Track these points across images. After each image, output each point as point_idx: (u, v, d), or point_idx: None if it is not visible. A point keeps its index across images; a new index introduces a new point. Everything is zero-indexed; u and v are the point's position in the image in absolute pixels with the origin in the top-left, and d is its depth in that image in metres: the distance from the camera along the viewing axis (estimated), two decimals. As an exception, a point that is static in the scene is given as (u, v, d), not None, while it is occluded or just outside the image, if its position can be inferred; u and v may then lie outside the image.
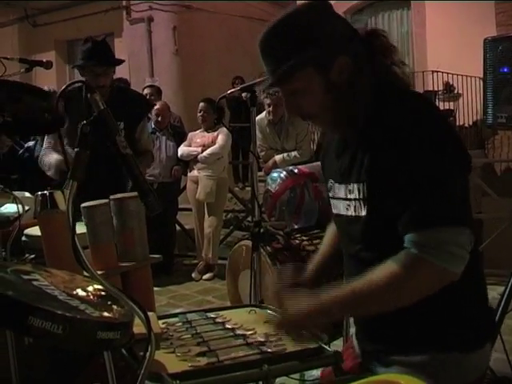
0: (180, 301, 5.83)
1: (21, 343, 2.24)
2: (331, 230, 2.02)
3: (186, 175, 6.76)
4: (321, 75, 1.57)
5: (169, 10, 11.45)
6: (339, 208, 1.72)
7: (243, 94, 8.82)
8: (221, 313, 2.10)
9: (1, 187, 2.70)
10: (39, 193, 2.48)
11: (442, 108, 8.00)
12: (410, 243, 1.48)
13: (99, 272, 2.21)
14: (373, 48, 1.62)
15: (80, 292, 1.65)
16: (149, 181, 4.71)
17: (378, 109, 1.57)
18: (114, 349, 1.64)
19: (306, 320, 1.61)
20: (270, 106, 5.82)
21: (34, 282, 1.60)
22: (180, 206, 7.28)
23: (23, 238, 2.82)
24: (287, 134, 5.92)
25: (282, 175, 3.51)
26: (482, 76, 3.24)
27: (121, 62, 4.00)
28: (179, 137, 6.76)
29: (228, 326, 1.94)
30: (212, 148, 6.30)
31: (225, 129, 6.33)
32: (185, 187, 6.91)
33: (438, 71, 9.07)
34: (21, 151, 6.14)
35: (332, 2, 1.68)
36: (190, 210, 6.85)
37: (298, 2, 1.67)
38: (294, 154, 5.86)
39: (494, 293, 2.83)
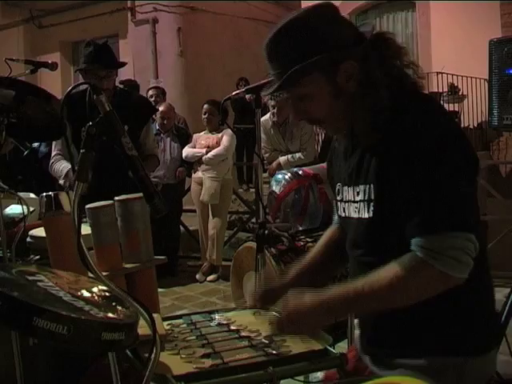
0: (184, 302, 5.83)
1: (25, 344, 2.24)
2: (325, 236, 2.02)
3: (190, 177, 6.76)
4: (327, 80, 1.57)
5: (173, 11, 11.46)
6: (349, 211, 1.71)
7: (247, 96, 8.85)
8: (225, 314, 2.10)
9: (6, 188, 2.70)
10: (44, 194, 2.48)
11: (446, 110, 7.96)
12: (417, 247, 1.48)
13: (104, 273, 2.21)
14: (382, 51, 1.61)
15: (85, 293, 1.65)
16: (153, 182, 4.71)
17: (388, 111, 1.56)
18: (118, 350, 1.64)
19: (307, 317, 1.61)
20: (274, 108, 5.82)
21: (39, 283, 1.60)
22: (184, 208, 7.29)
23: (28, 239, 2.83)
24: (292, 136, 5.92)
25: (286, 177, 3.51)
26: (486, 77, 3.23)
27: (123, 64, 4.00)
28: (184, 138, 6.75)
29: (233, 327, 1.94)
30: (216, 149, 6.29)
31: (229, 130, 6.33)
32: (189, 188, 6.90)
33: (442, 73, 9.04)
34: (26, 152, 6.15)
35: (337, 3, 1.68)
36: (194, 211, 6.85)
37: (302, 3, 1.67)
38: (298, 155, 5.86)
39: (500, 295, 2.81)
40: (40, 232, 2.72)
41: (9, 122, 2.38)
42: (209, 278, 6.48)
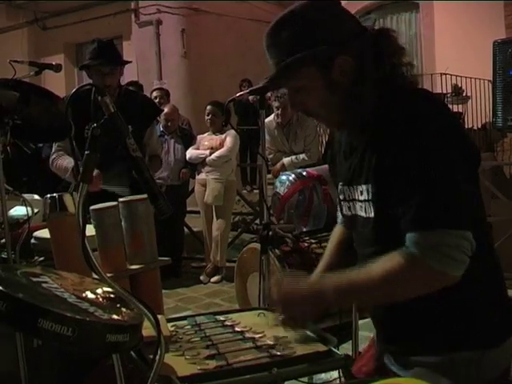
0: (188, 303, 5.83)
1: (30, 345, 2.25)
2: (336, 234, 2.02)
3: (194, 178, 6.77)
4: (322, 74, 1.57)
5: (177, 12, 11.46)
6: (355, 209, 1.71)
7: (250, 97, 8.85)
8: (230, 316, 2.10)
9: (10, 190, 2.70)
10: (48, 195, 2.49)
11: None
12: (411, 243, 1.47)
13: (108, 274, 2.21)
14: (381, 48, 1.61)
15: (89, 294, 1.65)
16: (157, 184, 4.71)
17: (384, 109, 1.56)
18: (123, 351, 1.64)
19: (303, 300, 1.62)
20: (278, 109, 5.82)
21: (44, 285, 1.60)
22: (188, 209, 7.29)
23: (32, 241, 2.83)
24: (295, 137, 5.92)
25: (290, 178, 3.51)
26: (490, 78, 3.23)
27: (127, 62, 4.00)
28: (187, 139, 6.75)
29: (237, 329, 1.93)
30: (220, 151, 6.29)
31: (233, 131, 6.32)
32: (193, 190, 6.91)
33: (446, 74, 9.04)
34: (29, 153, 6.16)
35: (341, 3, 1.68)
36: (198, 212, 6.86)
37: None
38: (302, 156, 5.86)
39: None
40: (44, 233, 2.72)
41: (13, 123, 2.39)
42: (213, 280, 6.49)
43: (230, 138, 6.32)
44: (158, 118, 6.27)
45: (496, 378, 1.60)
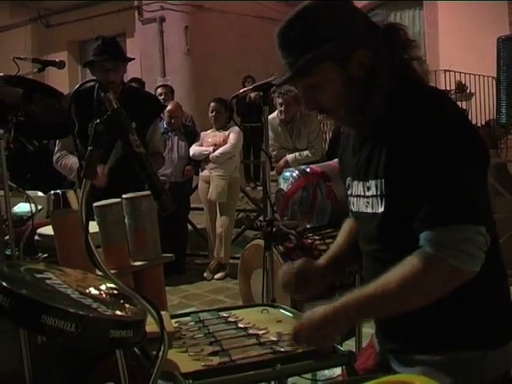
0: (192, 300, 5.84)
1: (34, 342, 2.25)
2: (347, 225, 2.02)
3: (197, 175, 6.77)
4: (340, 69, 1.57)
5: (180, 9, 11.44)
6: (359, 205, 1.71)
7: (252, 95, 8.83)
8: (233, 312, 2.10)
9: (14, 187, 2.71)
10: (52, 192, 2.49)
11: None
12: (425, 241, 1.47)
13: (111, 271, 2.22)
14: (392, 42, 1.60)
15: (93, 290, 1.66)
16: (161, 180, 4.71)
17: (396, 104, 1.56)
18: (126, 347, 1.65)
19: (322, 328, 1.59)
20: (281, 106, 5.82)
21: (47, 281, 1.61)
22: (192, 206, 7.29)
23: (36, 238, 2.83)
24: (299, 134, 5.92)
25: (294, 174, 3.50)
26: (494, 75, 3.22)
27: (130, 59, 4.00)
28: (191, 136, 6.75)
29: (240, 325, 1.93)
30: (223, 147, 6.29)
31: (236, 128, 6.32)
32: (197, 187, 6.91)
33: (450, 70, 9.02)
34: (32, 149, 6.15)
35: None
36: (201, 209, 6.86)
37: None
38: (305, 153, 5.86)
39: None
40: (48, 230, 2.73)
41: (17, 120, 2.39)
42: (216, 276, 6.49)
43: (233, 135, 6.32)
44: (162, 115, 6.26)
45: (498, 378, 1.60)
